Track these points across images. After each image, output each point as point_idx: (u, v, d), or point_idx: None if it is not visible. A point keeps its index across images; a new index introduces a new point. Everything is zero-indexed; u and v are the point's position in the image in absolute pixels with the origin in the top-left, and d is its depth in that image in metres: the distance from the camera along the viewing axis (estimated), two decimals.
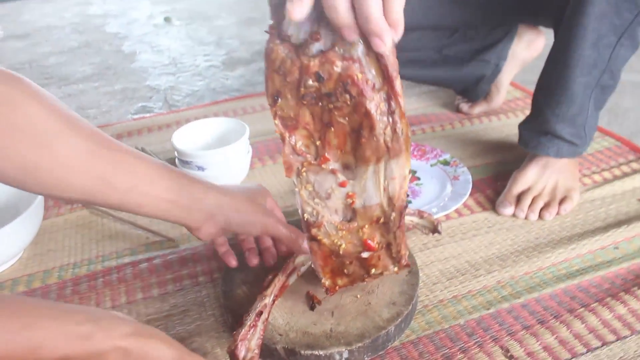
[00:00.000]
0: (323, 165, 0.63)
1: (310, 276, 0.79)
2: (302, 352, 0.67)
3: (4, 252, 0.87)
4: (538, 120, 0.97)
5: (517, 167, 1.04)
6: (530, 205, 0.96)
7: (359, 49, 0.54)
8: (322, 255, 0.68)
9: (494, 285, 0.82)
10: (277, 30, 0.56)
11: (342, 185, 0.64)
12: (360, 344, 0.68)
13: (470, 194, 1.01)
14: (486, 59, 1.26)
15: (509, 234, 0.92)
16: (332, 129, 0.60)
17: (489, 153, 1.16)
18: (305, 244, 0.70)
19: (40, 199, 0.90)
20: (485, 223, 0.95)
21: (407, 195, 1.01)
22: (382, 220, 0.65)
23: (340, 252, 0.68)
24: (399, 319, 0.71)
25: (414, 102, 1.39)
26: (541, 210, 0.96)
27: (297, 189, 0.64)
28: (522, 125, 1.02)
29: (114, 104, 1.57)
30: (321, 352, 0.67)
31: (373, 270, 0.70)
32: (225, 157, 1.00)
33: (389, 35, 0.51)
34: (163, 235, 0.97)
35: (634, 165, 1.09)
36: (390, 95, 0.57)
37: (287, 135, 0.61)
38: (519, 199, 0.97)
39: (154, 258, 0.92)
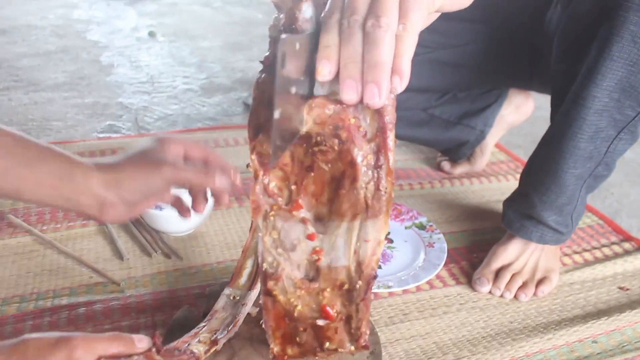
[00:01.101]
0: (294, 212, 0.56)
1: (263, 346, 0.71)
2: None
3: None
4: (524, 202, 0.92)
5: (494, 237, 0.98)
6: (507, 284, 0.90)
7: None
8: (275, 314, 0.61)
9: None
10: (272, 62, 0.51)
11: (310, 237, 0.57)
12: None
13: (444, 265, 0.95)
14: (472, 124, 1.22)
15: (482, 315, 0.86)
16: (312, 174, 0.55)
17: (467, 219, 1.10)
18: (219, 179, 0.66)
19: None
20: (457, 299, 0.89)
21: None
22: (346, 286, 0.58)
23: (295, 314, 0.60)
24: None
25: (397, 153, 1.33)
26: (518, 290, 0.90)
27: (260, 234, 0.58)
28: (507, 204, 0.97)
29: (81, 119, 1.49)
30: None
31: (327, 344, 0.62)
32: (186, 196, 0.92)
33: (386, 88, 0.45)
34: (108, 277, 0.88)
35: (616, 248, 1.04)
36: (381, 149, 0.52)
37: (261, 173, 0.55)
38: (497, 275, 0.91)
39: (94, 303, 0.83)
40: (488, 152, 1.27)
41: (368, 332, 0.61)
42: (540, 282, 0.91)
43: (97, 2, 2.69)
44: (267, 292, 0.60)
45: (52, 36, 2.18)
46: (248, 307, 0.72)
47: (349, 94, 0.46)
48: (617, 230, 1.10)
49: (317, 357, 0.64)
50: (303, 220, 0.57)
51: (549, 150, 0.85)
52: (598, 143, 0.81)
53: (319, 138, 0.52)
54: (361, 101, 0.46)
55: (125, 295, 0.85)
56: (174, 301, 0.84)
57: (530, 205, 0.89)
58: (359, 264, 0.57)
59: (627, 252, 1.03)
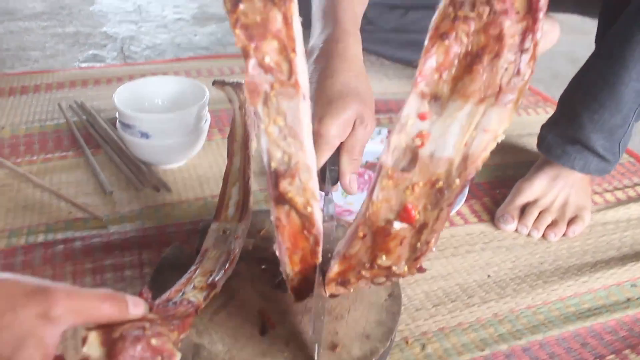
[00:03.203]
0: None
1: (264, 287, 0.62)
2: None
3: None
4: (570, 124, 0.81)
5: (518, 173, 0.89)
6: (534, 221, 0.81)
7: None
8: (291, 231, 0.52)
9: (489, 319, 0.66)
10: None
11: (422, 117, 0.48)
12: None
13: (465, 200, 0.85)
14: None
15: (509, 255, 0.77)
16: (446, 42, 0.46)
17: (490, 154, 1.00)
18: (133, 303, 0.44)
19: None
20: (481, 238, 0.80)
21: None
22: (440, 184, 0.49)
23: (367, 214, 0.51)
24: (373, 359, 0.55)
25: (404, 85, 1.22)
26: (546, 228, 0.81)
27: (262, 126, 0.47)
28: (547, 128, 0.86)
29: (62, 48, 1.36)
30: None
31: (382, 259, 0.52)
32: (176, 124, 0.82)
33: None
34: (89, 211, 0.78)
35: None
36: (528, 31, 0.45)
37: (252, 47, 0.44)
38: (522, 212, 0.82)
39: (73, 240, 0.74)
40: None
41: (434, 249, 0.52)
42: (571, 221, 0.82)
43: None
44: (279, 199, 0.50)
45: None
46: (242, 241, 0.63)
47: None
48: None
49: (356, 282, 0.55)
50: (422, 95, 0.48)
51: (608, 60, 0.74)
52: None
53: (466, 2, 0.45)
54: None
55: (109, 231, 0.76)
56: (163, 238, 0.74)
57: (578, 127, 0.79)
58: (464, 158, 0.48)
59: None
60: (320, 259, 0.54)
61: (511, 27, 0.45)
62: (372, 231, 0.51)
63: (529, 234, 0.81)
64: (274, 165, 0.48)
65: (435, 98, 0.48)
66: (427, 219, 0.50)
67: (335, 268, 0.55)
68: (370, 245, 0.52)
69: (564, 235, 0.81)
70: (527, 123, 1.09)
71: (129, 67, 1.25)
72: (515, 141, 1.04)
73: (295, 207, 0.50)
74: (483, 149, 0.47)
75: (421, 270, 0.52)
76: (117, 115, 0.85)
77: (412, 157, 0.49)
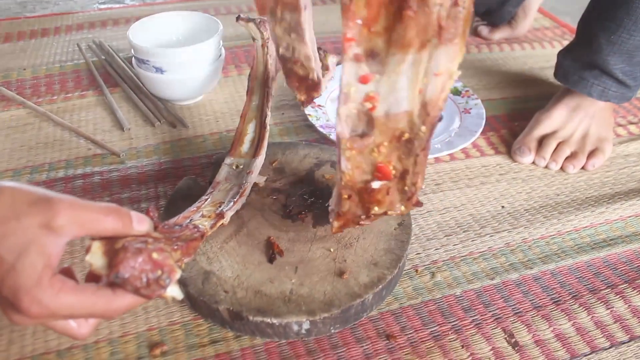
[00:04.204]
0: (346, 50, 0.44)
1: (274, 216, 0.63)
2: (251, 317, 0.52)
3: None
4: (587, 47, 0.78)
5: (539, 106, 0.86)
6: (552, 153, 0.79)
7: None
8: (298, 77, 0.59)
9: (501, 249, 0.66)
10: None
11: (363, 80, 0.45)
12: (326, 315, 0.53)
13: (482, 132, 0.84)
14: None
15: (524, 186, 0.76)
16: None
17: (508, 86, 0.98)
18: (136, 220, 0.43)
19: None
20: (496, 169, 0.79)
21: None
22: (406, 136, 0.48)
23: (342, 182, 0.52)
24: (380, 285, 0.56)
25: None
26: (565, 160, 0.79)
27: (269, 27, 0.55)
28: (564, 54, 0.83)
29: None
30: (275, 321, 0.52)
31: (375, 209, 0.53)
32: (190, 58, 0.82)
33: None
34: (107, 147, 0.80)
35: None
36: None
37: None
38: (540, 144, 0.81)
39: (91, 175, 0.76)
40: (532, 15, 1.12)
41: (423, 185, 0.52)
42: (591, 153, 0.80)
43: None
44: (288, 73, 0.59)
45: None
46: (254, 176, 0.63)
47: None
48: None
49: (359, 225, 0.56)
50: (356, 58, 0.44)
51: None
52: None
53: None
54: None
55: (126, 166, 0.77)
56: (179, 171, 0.76)
57: (596, 50, 0.76)
58: (424, 106, 0.46)
59: None
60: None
61: None
62: (355, 192, 0.52)
63: (546, 166, 0.79)
64: (281, 51, 0.55)
65: (372, 56, 0.44)
66: (405, 166, 0.49)
67: (335, 224, 0.56)
68: (358, 202, 0.52)
69: (583, 168, 0.79)
70: (551, 55, 1.05)
71: (147, 7, 1.25)
72: (537, 73, 1.01)
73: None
74: (440, 91, 0.45)
75: (418, 204, 0.52)
76: (132, 52, 0.85)
77: (368, 120, 0.47)
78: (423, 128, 0.47)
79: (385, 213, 0.53)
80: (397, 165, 0.49)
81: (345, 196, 0.52)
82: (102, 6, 1.28)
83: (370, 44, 0.44)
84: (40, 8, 1.28)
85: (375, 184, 0.50)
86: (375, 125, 0.47)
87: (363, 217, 0.53)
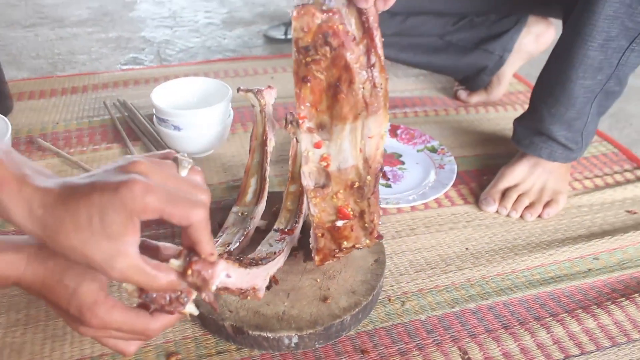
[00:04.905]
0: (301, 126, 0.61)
1: None
2: (250, 332, 0.64)
3: None
4: (534, 117, 0.92)
5: (506, 162, 1.00)
6: (514, 203, 0.92)
7: (340, 1, 0.54)
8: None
9: (462, 283, 0.78)
10: None
11: (317, 146, 0.61)
12: (311, 331, 0.65)
13: (454, 185, 0.97)
14: (490, 49, 1.21)
15: (487, 231, 0.89)
16: (309, 84, 0.57)
17: (480, 145, 1.12)
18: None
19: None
20: (464, 217, 0.92)
21: (388, 179, 0.97)
22: (357, 184, 0.63)
23: (314, 223, 0.65)
24: (357, 309, 0.68)
25: (411, 83, 1.34)
26: (524, 209, 0.92)
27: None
28: (517, 121, 0.98)
29: (105, 52, 1.52)
30: (270, 335, 0.64)
31: (345, 243, 0.66)
32: (204, 118, 0.96)
33: None
34: None
35: (628, 175, 1.05)
36: (370, 49, 0.56)
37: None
38: (503, 195, 0.94)
39: None
40: (506, 81, 1.26)
41: (380, 223, 0.65)
42: (547, 204, 0.93)
43: None
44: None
45: None
46: (256, 220, 0.76)
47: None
48: (631, 158, 1.10)
49: (335, 259, 0.69)
50: (309, 130, 0.60)
51: (559, 60, 0.85)
52: (609, 53, 0.80)
53: (310, 51, 0.55)
54: (346, 5, 0.52)
55: None
56: None
57: (540, 120, 0.90)
58: (365, 161, 0.61)
59: (639, 179, 1.03)
60: None
61: (353, 54, 0.54)
62: (326, 230, 0.65)
63: (508, 215, 0.92)
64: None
65: (321, 127, 0.59)
66: (361, 207, 0.64)
67: (316, 258, 0.69)
68: (330, 239, 0.66)
69: (539, 216, 0.92)
70: None
71: (164, 68, 1.40)
72: (507, 133, 1.15)
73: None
74: (376, 148, 0.60)
75: (379, 237, 0.66)
76: (154, 111, 1.00)
77: (326, 175, 0.62)
78: (369, 177, 0.61)
79: (354, 247, 0.66)
80: (354, 207, 0.63)
81: (320, 234, 0.65)
82: (124, 67, 1.44)
83: (318, 119, 0.59)
84: (69, 68, 1.43)
85: (339, 223, 0.64)
86: (331, 178, 0.62)
87: (337, 250, 0.66)
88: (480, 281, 0.79)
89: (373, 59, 0.55)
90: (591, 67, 0.82)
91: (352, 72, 0.55)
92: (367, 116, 0.58)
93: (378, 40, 0.55)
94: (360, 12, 0.54)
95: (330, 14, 0.53)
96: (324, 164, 0.62)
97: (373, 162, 0.60)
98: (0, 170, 0.44)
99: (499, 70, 1.24)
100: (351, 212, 0.64)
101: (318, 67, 0.56)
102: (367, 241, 0.66)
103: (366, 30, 0.54)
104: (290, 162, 0.79)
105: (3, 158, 0.45)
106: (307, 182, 0.63)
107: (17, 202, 0.44)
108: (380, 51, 0.55)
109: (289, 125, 0.78)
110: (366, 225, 0.64)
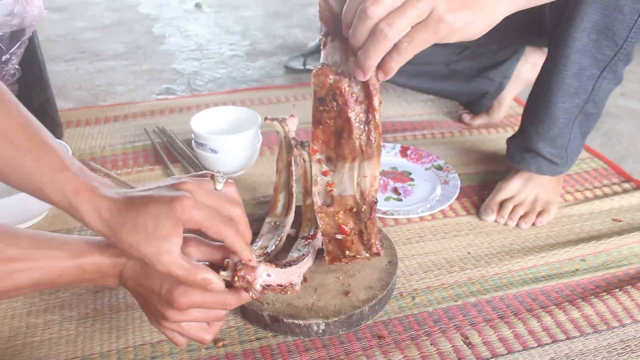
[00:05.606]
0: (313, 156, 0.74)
1: None
2: (285, 320, 0.77)
3: (32, 209, 0.98)
4: (523, 136, 1.06)
5: (504, 177, 1.12)
6: (510, 213, 1.05)
7: (350, 67, 0.66)
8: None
9: (464, 281, 0.91)
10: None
11: (324, 174, 0.75)
12: (336, 319, 0.77)
13: (457, 198, 1.10)
14: (491, 76, 1.34)
15: (486, 238, 1.01)
16: (321, 127, 0.71)
17: (482, 163, 1.24)
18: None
19: None
20: (467, 226, 1.04)
21: (399, 193, 1.10)
22: (354, 209, 0.76)
23: (323, 233, 0.79)
24: (374, 301, 0.81)
25: (420, 108, 1.48)
26: (519, 219, 1.04)
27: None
28: (510, 140, 1.11)
29: (141, 83, 1.68)
30: (301, 322, 0.77)
31: (347, 252, 0.80)
32: (237, 143, 1.10)
33: (370, 75, 0.63)
34: None
35: (616, 187, 1.17)
36: (369, 109, 0.68)
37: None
38: (501, 207, 1.06)
39: None
40: (506, 105, 1.39)
41: (378, 243, 0.78)
42: (539, 213, 1.05)
43: None
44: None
45: (107, 11, 2.38)
46: (287, 228, 0.89)
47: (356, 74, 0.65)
48: (619, 172, 1.22)
49: (342, 262, 0.82)
50: (319, 161, 0.74)
51: (541, 86, 0.99)
52: (583, 80, 0.94)
53: (323, 102, 0.69)
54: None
55: None
56: None
57: (528, 138, 1.03)
58: (362, 193, 0.74)
59: (625, 191, 1.15)
60: None
61: (353, 111, 0.67)
62: (331, 239, 0.79)
63: (505, 224, 1.05)
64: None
65: (329, 160, 0.73)
66: (359, 228, 0.76)
67: (327, 258, 0.82)
68: (336, 246, 0.79)
69: (533, 224, 1.04)
70: None
71: (195, 98, 1.55)
72: (505, 153, 1.28)
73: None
74: (370, 185, 0.73)
75: (377, 254, 0.79)
76: (192, 136, 1.14)
77: (330, 197, 0.75)
78: (364, 207, 0.74)
79: (354, 257, 0.79)
80: (353, 227, 0.77)
81: (327, 241, 0.79)
82: (159, 97, 1.59)
83: (327, 154, 0.73)
84: (109, 98, 1.59)
85: (339, 236, 0.78)
86: (334, 201, 0.76)
87: (342, 256, 0.80)
88: (480, 279, 0.91)
89: (370, 117, 0.68)
90: (568, 92, 0.95)
91: (352, 125, 0.69)
92: (363, 160, 0.71)
93: (376, 102, 0.67)
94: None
95: (341, 76, 0.67)
96: (329, 188, 0.75)
97: (367, 196, 0.74)
98: (76, 181, 0.57)
99: (499, 95, 1.37)
100: (350, 230, 0.77)
101: (329, 115, 0.70)
102: (367, 254, 0.79)
103: (367, 94, 0.67)
104: (302, 179, 0.92)
105: (78, 173, 0.58)
106: (316, 199, 0.76)
107: (89, 207, 0.56)
108: (377, 113, 0.68)
109: (294, 149, 0.90)
110: (366, 242, 0.78)
